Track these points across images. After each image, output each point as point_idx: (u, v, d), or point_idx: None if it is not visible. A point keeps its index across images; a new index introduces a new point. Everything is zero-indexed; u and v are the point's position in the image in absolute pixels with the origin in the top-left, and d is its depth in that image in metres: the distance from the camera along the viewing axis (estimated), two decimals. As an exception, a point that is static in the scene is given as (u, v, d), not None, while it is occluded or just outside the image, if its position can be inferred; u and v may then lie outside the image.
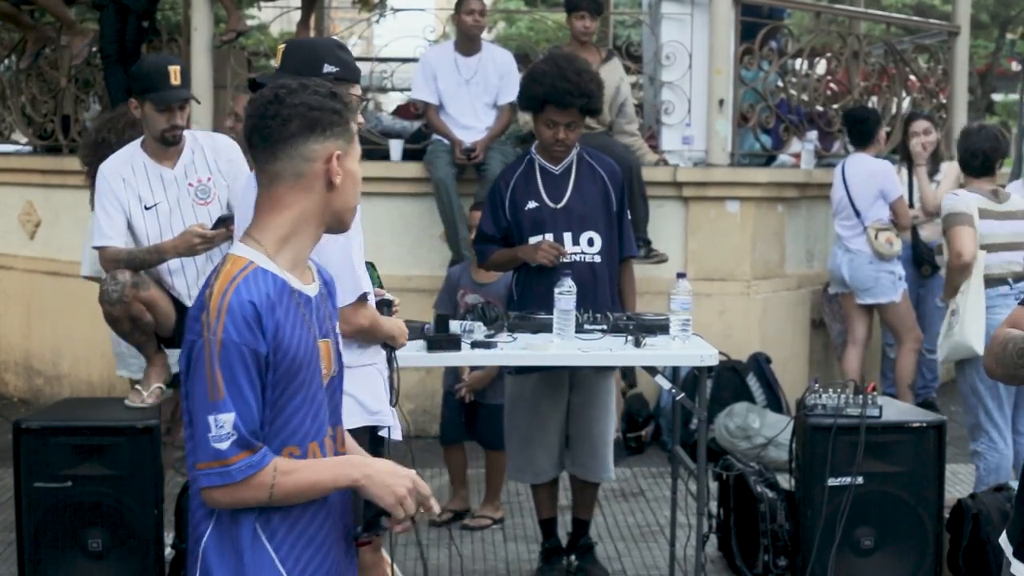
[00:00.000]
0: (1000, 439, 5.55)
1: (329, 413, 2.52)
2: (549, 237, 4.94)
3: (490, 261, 5.17)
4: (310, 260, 2.54)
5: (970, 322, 5.49)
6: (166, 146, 4.76)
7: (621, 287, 5.11)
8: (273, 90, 2.46)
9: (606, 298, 4.95)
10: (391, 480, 2.41)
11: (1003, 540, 2.89)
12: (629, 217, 5.17)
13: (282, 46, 3.80)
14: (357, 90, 3.74)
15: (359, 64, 3.94)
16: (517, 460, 5.22)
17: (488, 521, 5.93)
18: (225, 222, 4.60)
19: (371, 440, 3.70)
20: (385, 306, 3.82)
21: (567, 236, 4.96)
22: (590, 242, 4.97)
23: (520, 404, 5.13)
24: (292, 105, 2.42)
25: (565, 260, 4.89)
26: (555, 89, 4.90)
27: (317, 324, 2.49)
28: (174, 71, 4.75)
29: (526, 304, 4.93)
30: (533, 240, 4.97)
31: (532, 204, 5.00)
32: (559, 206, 4.99)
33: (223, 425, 2.32)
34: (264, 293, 2.37)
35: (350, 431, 3.58)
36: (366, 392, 3.62)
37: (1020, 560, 2.79)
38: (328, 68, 3.64)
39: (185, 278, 4.82)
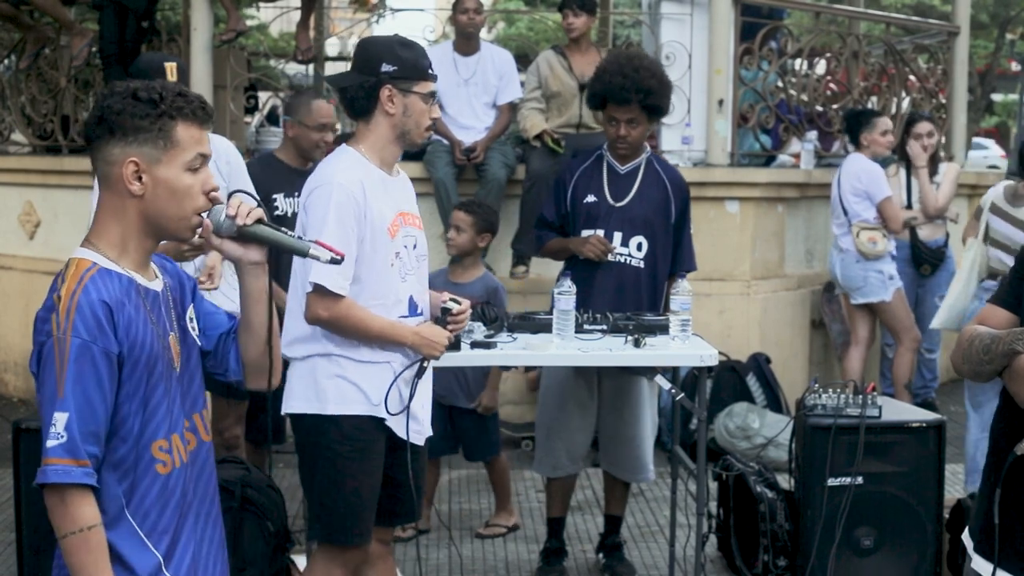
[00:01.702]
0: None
1: (188, 403, 2.55)
2: (600, 233, 4.97)
3: (544, 248, 5.23)
4: (153, 257, 2.54)
5: (946, 300, 5.75)
6: None
7: (670, 300, 5.10)
8: (103, 90, 2.50)
9: (642, 305, 4.97)
10: None
11: (965, 536, 2.90)
12: (689, 231, 5.17)
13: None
14: (426, 87, 3.71)
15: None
16: (540, 451, 5.26)
17: (502, 529, 5.81)
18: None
19: (388, 446, 3.71)
20: (442, 314, 3.79)
21: (617, 236, 4.99)
22: (639, 247, 5.00)
23: (549, 396, 5.18)
24: (103, 107, 2.43)
25: (611, 259, 4.92)
26: (612, 85, 4.92)
27: (165, 319, 2.50)
28: (170, 68, 4.75)
29: (581, 288, 4.92)
30: (584, 234, 5.00)
31: (591, 198, 5.03)
32: (618, 205, 5.01)
33: (56, 423, 2.31)
34: (112, 291, 2.38)
35: (351, 416, 3.61)
36: (370, 384, 3.65)
37: (980, 555, 2.80)
38: (386, 68, 3.65)
39: None
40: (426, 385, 3.82)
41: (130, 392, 2.41)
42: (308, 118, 5.49)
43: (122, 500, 2.42)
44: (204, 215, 2.49)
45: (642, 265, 5.00)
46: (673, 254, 5.10)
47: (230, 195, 2.56)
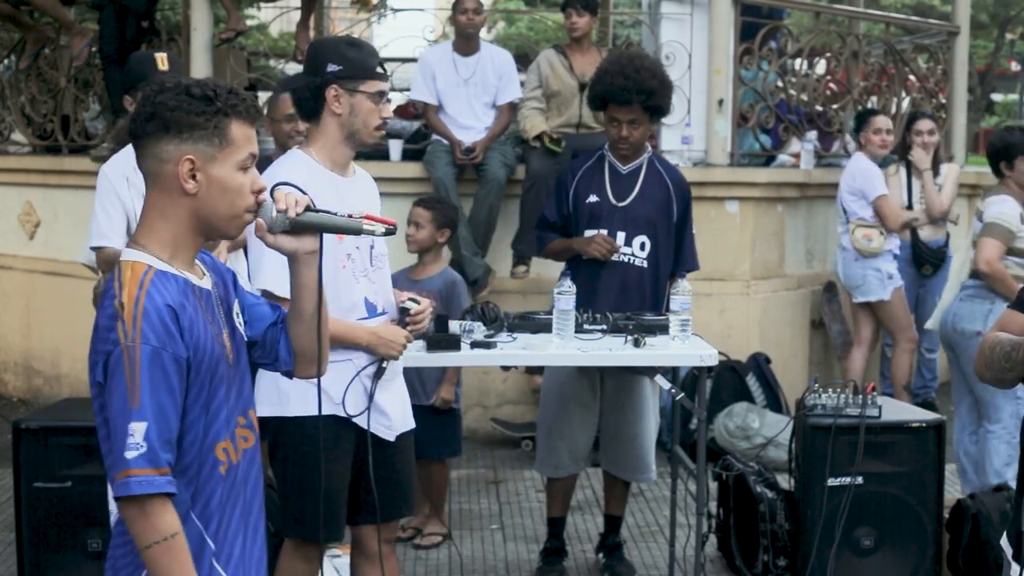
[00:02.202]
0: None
1: (242, 401, 2.53)
2: (603, 233, 4.97)
3: (547, 249, 5.22)
4: (200, 255, 2.52)
5: (941, 302, 5.81)
6: None
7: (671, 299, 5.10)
8: (152, 86, 2.42)
9: (645, 305, 4.96)
10: None
11: (1003, 542, 2.90)
12: (692, 231, 5.17)
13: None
14: (373, 86, 3.68)
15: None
16: (541, 450, 5.25)
17: (438, 538, 5.63)
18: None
19: (374, 442, 3.71)
20: (400, 314, 3.78)
21: (620, 236, 4.99)
22: (642, 246, 5.00)
23: (550, 395, 5.17)
24: (154, 103, 2.37)
25: (614, 259, 4.93)
26: (613, 86, 4.93)
27: (218, 318, 2.48)
28: (161, 58, 4.77)
29: (580, 288, 4.92)
30: (587, 234, 5.00)
31: (594, 198, 5.03)
32: (621, 205, 5.01)
33: (134, 434, 2.27)
34: (173, 294, 2.35)
35: (313, 416, 3.56)
36: (331, 383, 3.60)
37: (1019, 563, 2.80)
38: (331, 68, 3.64)
39: None
40: (396, 382, 3.81)
41: (195, 396, 2.38)
42: (276, 111, 5.63)
43: (188, 503, 2.40)
44: (260, 219, 2.47)
45: (645, 265, 5.01)
46: (675, 254, 5.10)
47: (271, 190, 2.52)
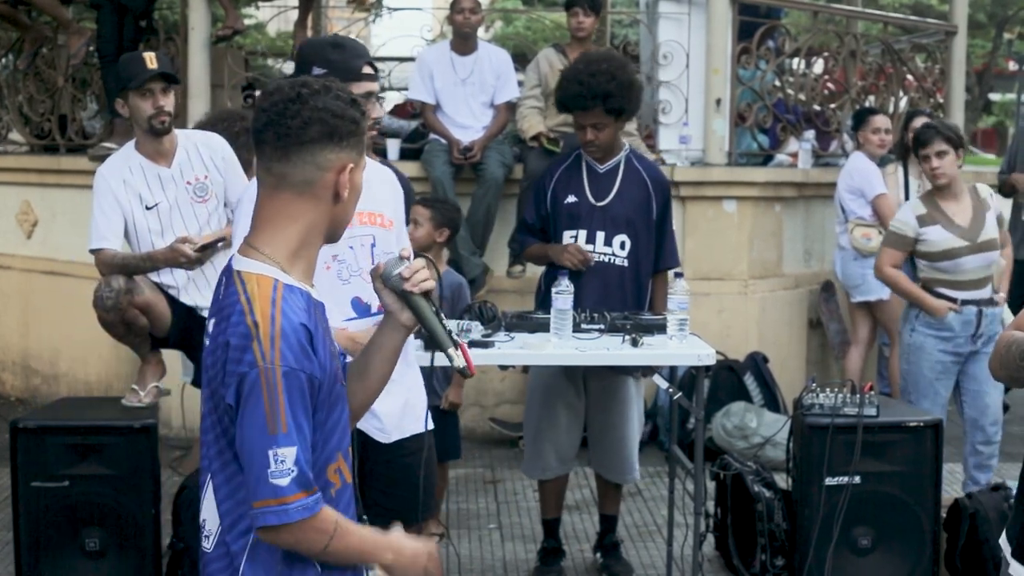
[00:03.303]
0: None
1: (347, 419, 2.45)
2: (583, 234, 4.96)
3: (525, 253, 5.24)
4: None
5: None
6: (156, 136, 4.73)
7: (655, 298, 5.08)
8: (295, 87, 2.30)
9: (628, 304, 4.95)
10: (411, 566, 2.37)
11: (1002, 540, 2.89)
12: (671, 227, 5.15)
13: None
14: (359, 87, 3.68)
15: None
16: (529, 453, 5.25)
17: (435, 539, 5.68)
18: (209, 247, 4.65)
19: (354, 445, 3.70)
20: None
21: (600, 235, 4.97)
22: (622, 245, 4.98)
23: (535, 398, 5.17)
24: (314, 108, 2.28)
25: (596, 259, 4.92)
26: (568, 92, 4.94)
27: (329, 332, 2.41)
28: (149, 57, 4.76)
29: (549, 302, 4.93)
30: (567, 235, 4.99)
31: (572, 199, 5.02)
32: (600, 204, 5.00)
33: (284, 460, 2.18)
34: (302, 311, 2.26)
35: None
36: None
37: (1019, 561, 2.79)
38: (316, 71, 3.63)
39: (172, 272, 4.82)
40: (395, 387, 3.78)
41: (321, 417, 2.30)
42: None
43: None
44: (383, 262, 2.47)
45: (626, 264, 4.99)
46: (656, 251, 5.07)
47: (417, 255, 2.50)
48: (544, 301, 5.01)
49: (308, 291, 2.33)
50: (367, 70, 3.68)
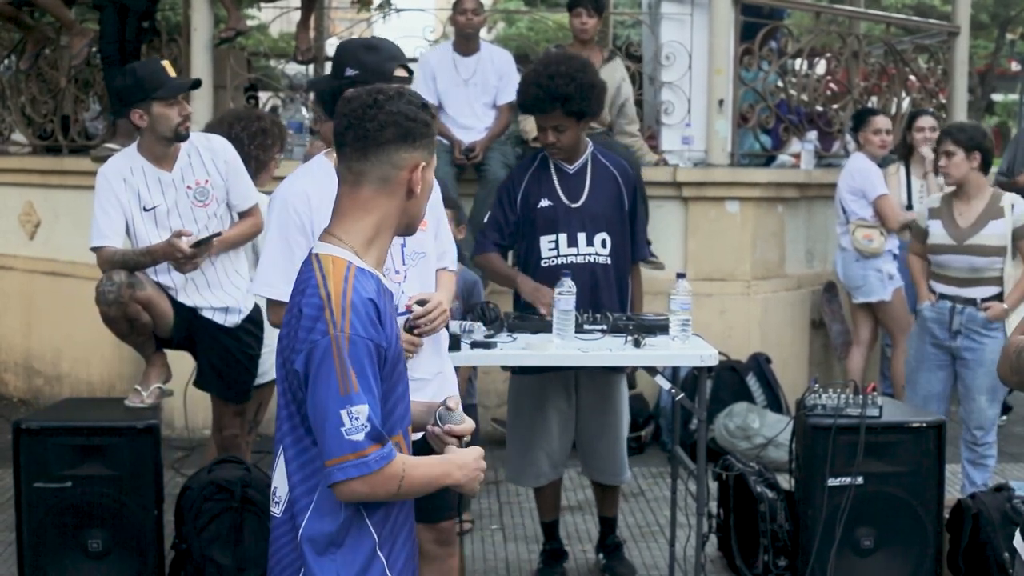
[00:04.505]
0: None
1: (408, 401, 2.63)
2: (563, 237, 4.92)
3: (488, 266, 5.08)
4: None
5: None
6: (179, 142, 4.77)
7: (632, 293, 5.10)
8: (372, 93, 2.54)
9: (613, 301, 4.94)
10: (473, 474, 2.62)
11: (1017, 541, 2.89)
12: (641, 218, 5.14)
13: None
14: None
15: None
16: (517, 463, 5.18)
17: (467, 526, 5.72)
18: (204, 243, 4.65)
19: None
20: (408, 330, 3.75)
21: (581, 236, 4.93)
22: (603, 243, 4.95)
23: (522, 406, 5.11)
24: (390, 112, 2.52)
25: (579, 261, 4.87)
26: (527, 96, 4.90)
27: (396, 317, 2.61)
28: (167, 65, 4.80)
29: (527, 307, 4.92)
30: (545, 240, 4.95)
31: (546, 202, 4.96)
32: (575, 205, 4.96)
33: (358, 417, 2.37)
34: (374, 291, 2.46)
35: None
36: None
37: None
38: (349, 72, 3.65)
39: (171, 273, 4.82)
40: (423, 391, 3.77)
41: (385, 390, 2.47)
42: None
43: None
44: (446, 409, 2.72)
45: (609, 262, 4.96)
46: (630, 244, 5.05)
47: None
48: (522, 306, 4.98)
49: (379, 276, 2.54)
50: (400, 72, 3.71)
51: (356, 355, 2.38)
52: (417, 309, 3.63)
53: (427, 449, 2.74)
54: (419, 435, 2.77)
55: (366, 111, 2.52)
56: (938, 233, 5.72)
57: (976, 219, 5.65)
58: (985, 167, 5.78)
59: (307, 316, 2.42)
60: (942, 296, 5.73)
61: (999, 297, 5.65)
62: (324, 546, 2.47)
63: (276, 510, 2.57)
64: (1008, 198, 5.77)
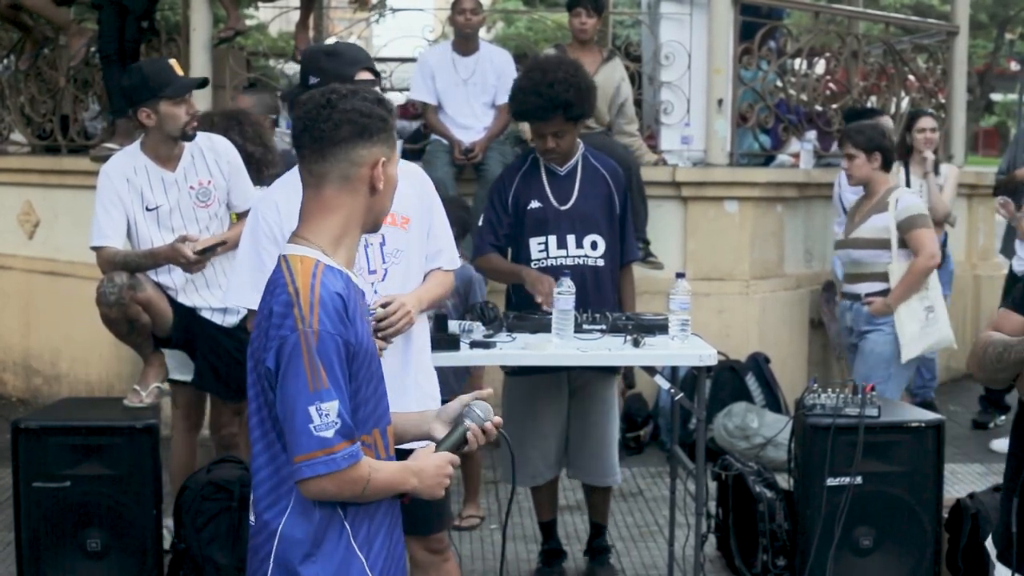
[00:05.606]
0: None
1: (385, 403, 2.61)
2: (552, 239, 4.92)
3: (490, 267, 5.10)
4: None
5: (944, 314, 5.87)
6: (185, 141, 4.78)
7: (621, 291, 5.09)
8: (325, 94, 2.54)
9: (607, 302, 4.93)
10: (432, 480, 2.57)
11: (988, 543, 2.90)
12: (631, 220, 5.14)
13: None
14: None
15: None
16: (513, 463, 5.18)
17: (476, 520, 5.88)
18: (209, 251, 4.65)
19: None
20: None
21: (571, 238, 4.93)
22: (593, 245, 4.95)
23: (516, 406, 5.10)
24: (343, 110, 2.50)
25: (571, 262, 4.88)
26: (527, 104, 4.88)
27: (367, 316, 2.60)
28: (175, 63, 4.82)
29: (524, 305, 4.92)
30: (534, 242, 4.95)
31: (536, 204, 4.95)
32: (564, 208, 4.95)
33: (327, 413, 2.37)
34: (342, 287, 2.47)
35: None
36: None
37: (1004, 564, 2.80)
38: (312, 80, 3.65)
39: (171, 273, 4.83)
40: (407, 397, 3.76)
41: (353, 387, 2.46)
42: None
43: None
44: (473, 408, 2.71)
45: (601, 263, 4.95)
46: (620, 245, 5.04)
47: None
48: (517, 304, 4.98)
49: (348, 274, 2.53)
50: (363, 75, 3.69)
51: (324, 351, 2.38)
52: (379, 311, 3.61)
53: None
54: (404, 445, 2.77)
55: (320, 111, 2.51)
56: (838, 232, 6.02)
57: (863, 215, 5.90)
58: (886, 166, 5.96)
59: (276, 313, 2.43)
60: (842, 294, 6.04)
61: (886, 293, 5.71)
62: (302, 552, 2.45)
63: (253, 518, 2.56)
64: (896, 192, 5.86)
